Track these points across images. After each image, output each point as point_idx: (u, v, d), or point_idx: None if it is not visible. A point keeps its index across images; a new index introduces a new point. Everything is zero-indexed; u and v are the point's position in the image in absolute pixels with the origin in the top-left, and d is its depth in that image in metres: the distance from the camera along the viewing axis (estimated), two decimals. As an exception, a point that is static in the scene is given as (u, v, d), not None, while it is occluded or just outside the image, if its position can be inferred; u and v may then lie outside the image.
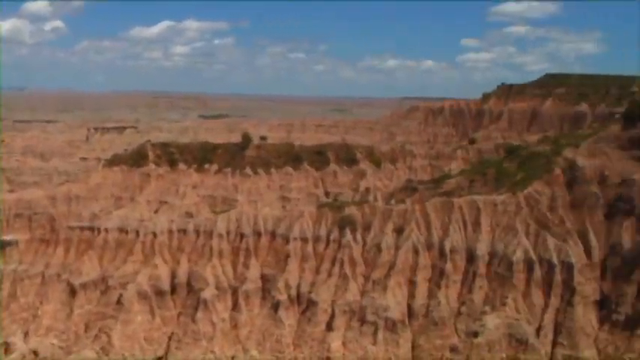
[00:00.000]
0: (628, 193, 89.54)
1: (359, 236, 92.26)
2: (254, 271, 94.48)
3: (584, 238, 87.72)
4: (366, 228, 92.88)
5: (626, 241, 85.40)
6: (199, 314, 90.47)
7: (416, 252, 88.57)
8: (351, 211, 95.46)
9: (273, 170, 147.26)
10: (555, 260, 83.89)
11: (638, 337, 76.23)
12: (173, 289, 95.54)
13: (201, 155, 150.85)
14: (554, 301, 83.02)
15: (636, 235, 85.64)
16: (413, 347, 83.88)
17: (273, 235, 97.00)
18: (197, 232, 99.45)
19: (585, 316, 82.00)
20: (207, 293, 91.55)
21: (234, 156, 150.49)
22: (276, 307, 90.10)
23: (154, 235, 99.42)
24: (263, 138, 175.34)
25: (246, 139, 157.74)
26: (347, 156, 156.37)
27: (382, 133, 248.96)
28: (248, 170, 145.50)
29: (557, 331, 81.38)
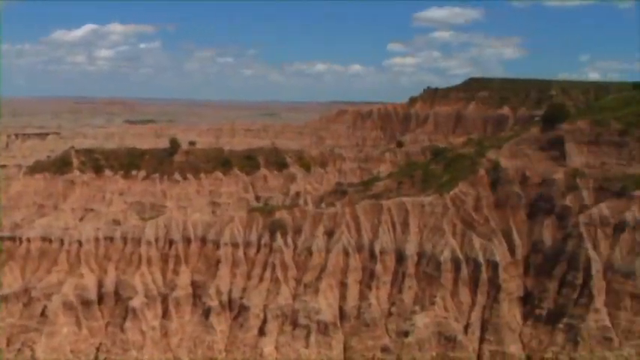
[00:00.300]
0: (548, 192, 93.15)
1: (290, 240, 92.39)
2: (184, 278, 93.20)
3: (507, 236, 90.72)
4: (297, 232, 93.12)
5: (547, 238, 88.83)
6: (128, 323, 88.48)
7: (346, 254, 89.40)
8: (282, 215, 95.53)
9: (202, 175, 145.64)
10: (481, 259, 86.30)
11: (559, 331, 79.31)
12: (100, 299, 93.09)
13: (128, 161, 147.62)
14: (481, 299, 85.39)
15: (556, 233, 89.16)
16: (345, 349, 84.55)
17: (203, 240, 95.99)
18: (124, 240, 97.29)
19: (510, 312, 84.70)
20: (136, 302, 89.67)
21: (162, 162, 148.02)
22: (207, 313, 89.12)
23: (80, 243, 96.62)
24: (192, 143, 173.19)
25: (175, 144, 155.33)
26: (277, 160, 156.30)
27: (311, 137, 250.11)
28: (177, 176, 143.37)
29: (484, 328, 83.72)
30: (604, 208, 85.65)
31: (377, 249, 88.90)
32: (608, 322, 77.05)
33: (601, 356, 74.84)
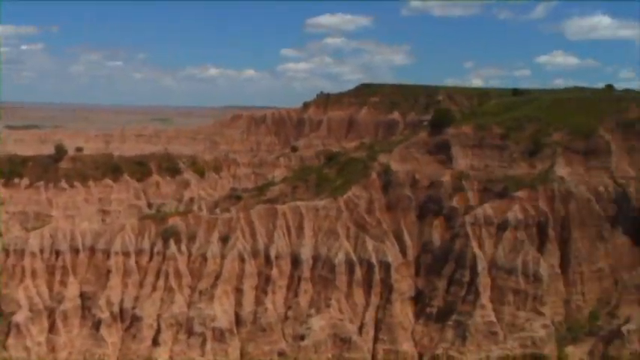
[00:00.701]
0: (436, 194, 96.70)
1: (184, 247, 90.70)
2: (72, 290, 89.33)
3: (399, 238, 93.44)
4: (191, 238, 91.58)
5: (436, 239, 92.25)
6: (11, 340, 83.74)
7: (242, 260, 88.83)
8: (175, 221, 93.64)
9: (90, 183, 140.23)
10: (374, 260, 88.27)
11: (449, 327, 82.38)
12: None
13: (10, 169, 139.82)
14: (375, 300, 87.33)
15: (445, 233, 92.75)
16: (242, 355, 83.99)
17: (92, 250, 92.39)
18: (7, 252, 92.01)
19: (403, 311, 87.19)
20: (20, 317, 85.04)
21: (47, 169, 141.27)
22: (97, 325, 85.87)
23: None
24: (79, 149, 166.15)
25: (60, 150, 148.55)
26: (169, 166, 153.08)
27: (205, 142, 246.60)
28: (63, 183, 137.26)
29: (377, 328, 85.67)
30: (488, 209, 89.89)
31: (272, 254, 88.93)
32: (493, 317, 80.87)
33: (487, 350, 78.42)
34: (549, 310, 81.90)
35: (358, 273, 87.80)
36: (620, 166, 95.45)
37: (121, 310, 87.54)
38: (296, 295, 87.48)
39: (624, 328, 74.32)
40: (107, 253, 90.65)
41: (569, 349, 79.22)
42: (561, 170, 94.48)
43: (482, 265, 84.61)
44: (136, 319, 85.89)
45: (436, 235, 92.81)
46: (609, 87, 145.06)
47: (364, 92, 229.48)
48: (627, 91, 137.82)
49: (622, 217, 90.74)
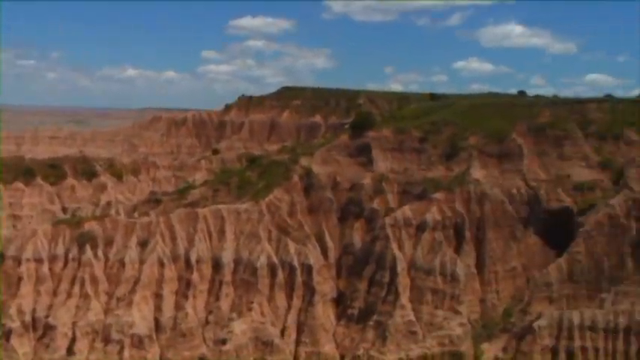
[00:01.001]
0: (357, 196, 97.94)
1: (100, 252, 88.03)
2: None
3: (321, 240, 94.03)
4: (108, 243, 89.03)
5: (357, 240, 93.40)
6: None
7: (161, 264, 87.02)
8: (91, 226, 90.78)
9: (0, 186, 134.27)
10: (296, 263, 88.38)
11: (370, 328, 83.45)
12: None
13: None
14: (297, 302, 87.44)
15: (365, 235, 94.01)
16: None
17: (1, 257, 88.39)
18: None
19: (325, 313, 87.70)
20: None
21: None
22: (7, 335, 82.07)
23: None
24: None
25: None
26: (85, 169, 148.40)
27: (123, 145, 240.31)
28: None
29: (299, 330, 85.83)
30: (407, 210, 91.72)
31: (193, 258, 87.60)
32: (412, 317, 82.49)
33: (407, 349, 79.85)
34: (466, 308, 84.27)
35: (280, 276, 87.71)
36: (531, 168, 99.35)
37: (34, 319, 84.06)
38: (217, 299, 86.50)
39: (535, 324, 77.28)
40: (18, 260, 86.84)
41: (485, 346, 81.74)
42: (477, 173, 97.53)
43: (401, 266, 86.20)
44: (49, 328, 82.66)
45: (357, 237, 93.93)
46: (522, 93, 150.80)
47: (286, 95, 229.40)
48: (538, 96, 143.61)
49: (533, 218, 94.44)
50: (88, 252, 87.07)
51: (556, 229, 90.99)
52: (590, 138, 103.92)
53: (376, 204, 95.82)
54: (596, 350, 74.79)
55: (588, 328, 75.35)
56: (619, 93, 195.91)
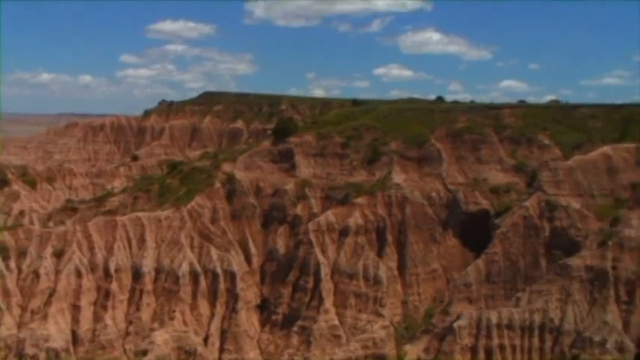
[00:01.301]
0: (280, 202, 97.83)
1: (13, 264, 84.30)
2: None
3: (244, 246, 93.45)
4: (22, 254, 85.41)
5: (281, 246, 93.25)
6: None
7: (79, 275, 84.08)
8: (3, 237, 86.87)
9: None
10: (219, 270, 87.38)
11: (294, 334, 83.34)
12: None
13: None
14: (220, 310, 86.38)
15: (289, 241, 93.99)
16: (79, 376, 79.52)
17: None
18: None
19: (248, 320, 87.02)
20: None
21: None
22: None
23: None
24: None
25: None
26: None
27: (37, 152, 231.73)
28: None
29: (223, 338, 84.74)
30: (330, 215, 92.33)
31: (112, 267, 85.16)
32: (336, 321, 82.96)
33: (331, 353, 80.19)
34: (389, 311, 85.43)
35: (203, 283, 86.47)
36: (450, 172, 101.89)
37: (-60, 336, 79.63)
38: (138, 309, 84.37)
39: (455, 325, 79.09)
40: None
41: (407, 348, 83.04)
42: (398, 177, 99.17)
43: (325, 271, 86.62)
44: (-43, 345, 78.48)
45: (280, 242, 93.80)
46: (440, 99, 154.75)
47: (208, 101, 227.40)
48: (456, 102, 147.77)
49: (453, 220, 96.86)
50: (0, 264, 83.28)
51: (474, 231, 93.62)
52: (505, 142, 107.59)
53: (299, 209, 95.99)
54: (513, 348, 77.19)
55: (506, 327, 77.67)
56: (531, 99, 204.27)
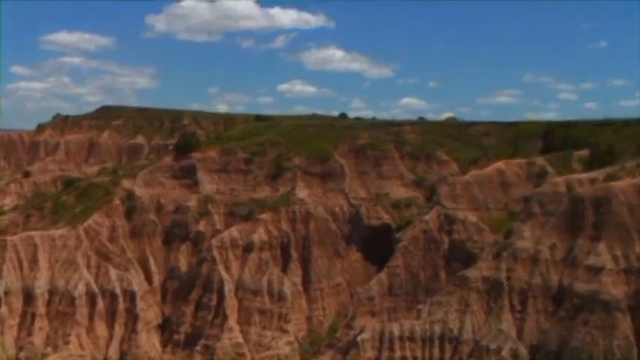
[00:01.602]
0: (183, 219, 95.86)
1: None
2: None
3: (144, 265, 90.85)
4: None
5: (183, 264, 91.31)
6: None
7: (-36, 299, 79.05)
8: None
9: None
10: (118, 290, 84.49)
11: (197, 353, 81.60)
12: None
13: None
14: (119, 331, 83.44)
15: (191, 258, 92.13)
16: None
17: None
18: None
19: (149, 340, 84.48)
20: None
21: None
22: None
23: None
24: None
25: None
26: None
27: None
28: None
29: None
30: (234, 232, 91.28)
31: (1, 290, 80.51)
32: (240, 339, 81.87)
33: (235, 372, 78.95)
34: (293, 326, 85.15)
35: (100, 304, 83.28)
36: (353, 188, 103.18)
37: None
38: (29, 333, 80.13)
39: (359, 338, 79.65)
40: None
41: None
42: (301, 193, 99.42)
43: (229, 288, 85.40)
44: None
45: (183, 260, 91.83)
46: (343, 115, 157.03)
47: (106, 115, 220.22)
48: (358, 119, 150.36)
49: (356, 235, 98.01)
50: None
51: (377, 245, 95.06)
52: (405, 158, 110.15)
53: (202, 226, 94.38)
54: (415, 359, 78.58)
55: (407, 339, 78.92)
56: (430, 116, 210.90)
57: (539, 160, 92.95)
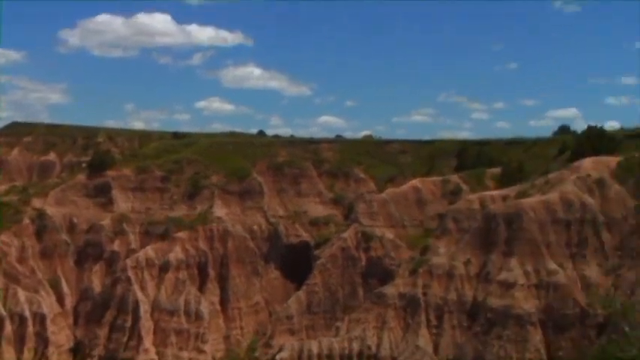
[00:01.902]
0: (96, 238, 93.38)
1: None
2: None
3: (55, 286, 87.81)
4: None
5: (97, 284, 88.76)
6: None
7: None
8: None
9: None
10: (27, 313, 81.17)
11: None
12: None
13: None
14: (28, 356, 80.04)
15: (105, 279, 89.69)
16: None
17: None
18: None
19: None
20: None
21: None
22: None
23: None
24: None
25: None
26: None
27: None
28: None
29: (30, 387, 78.50)
30: (150, 251, 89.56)
31: None
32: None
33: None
34: (211, 346, 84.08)
35: (8, 328, 79.66)
36: (271, 205, 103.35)
37: None
38: None
39: (278, 357, 79.37)
40: None
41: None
42: (219, 211, 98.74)
43: (144, 309, 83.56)
44: None
45: (96, 280, 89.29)
46: (261, 132, 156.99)
47: (16, 131, 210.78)
48: (276, 136, 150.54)
49: (274, 253, 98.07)
50: None
51: (295, 263, 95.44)
52: (323, 176, 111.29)
53: (117, 245, 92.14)
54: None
55: (326, 357, 79.21)
56: (348, 134, 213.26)
57: (454, 178, 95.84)
